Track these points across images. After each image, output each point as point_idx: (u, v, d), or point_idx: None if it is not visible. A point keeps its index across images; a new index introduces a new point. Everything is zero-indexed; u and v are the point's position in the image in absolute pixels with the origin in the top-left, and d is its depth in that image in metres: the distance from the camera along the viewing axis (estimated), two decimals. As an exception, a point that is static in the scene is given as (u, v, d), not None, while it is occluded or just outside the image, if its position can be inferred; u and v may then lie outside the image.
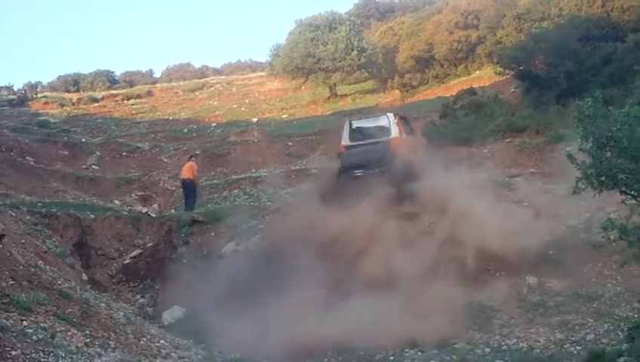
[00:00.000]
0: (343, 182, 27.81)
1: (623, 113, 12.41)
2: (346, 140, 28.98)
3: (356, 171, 27.66)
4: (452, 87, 61.11)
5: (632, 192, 12.46)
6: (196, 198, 32.66)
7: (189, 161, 33.48)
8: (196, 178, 32.79)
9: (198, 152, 37.13)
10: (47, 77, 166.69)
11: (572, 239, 22.05)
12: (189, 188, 32.21)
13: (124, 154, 46.58)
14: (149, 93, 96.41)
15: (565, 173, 19.37)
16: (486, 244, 22.44)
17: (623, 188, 12.46)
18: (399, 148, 27.64)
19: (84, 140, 50.14)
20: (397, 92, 72.48)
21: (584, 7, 48.39)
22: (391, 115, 29.17)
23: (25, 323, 13.39)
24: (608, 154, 12.48)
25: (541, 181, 27.83)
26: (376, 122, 29.79)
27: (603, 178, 12.45)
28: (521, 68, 43.32)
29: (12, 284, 15.24)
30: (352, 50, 74.52)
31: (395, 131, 28.14)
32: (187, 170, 32.36)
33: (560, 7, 52.39)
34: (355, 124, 29.98)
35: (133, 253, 27.63)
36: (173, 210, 33.51)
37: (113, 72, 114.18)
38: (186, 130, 57.38)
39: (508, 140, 36.59)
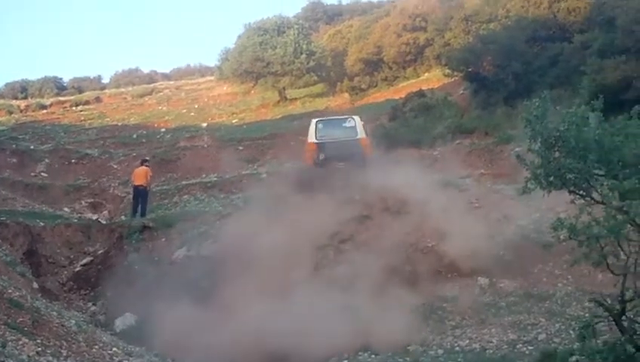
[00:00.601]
0: (325, 171, 29.64)
1: (570, 113, 12.49)
2: (312, 138, 31.27)
3: (337, 163, 30.07)
4: (401, 90, 61.31)
5: (581, 192, 12.52)
6: (147, 205, 32.41)
7: (141, 166, 33.14)
8: (149, 184, 32.54)
9: (148, 158, 36.73)
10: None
11: (522, 239, 22.16)
12: (143, 195, 31.91)
13: (73, 161, 46.20)
14: (98, 99, 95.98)
15: (514, 174, 19.53)
16: (437, 246, 22.57)
17: (572, 188, 12.52)
18: (367, 147, 31.02)
19: (32, 147, 49.71)
20: (346, 95, 72.59)
21: (531, 9, 48.79)
22: (357, 118, 32.21)
23: (-25, 332, 13.26)
24: (557, 154, 12.53)
25: (491, 182, 28.05)
26: (343, 123, 32.43)
27: (552, 178, 12.50)
28: (470, 70, 43.60)
29: (-39, 294, 15.11)
30: (301, 53, 74.55)
31: (361, 132, 30.98)
32: (141, 176, 31.97)
33: (507, 9, 52.78)
34: (321, 124, 32.31)
35: (84, 261, 27.50)
36: (123, 217, 33.27)
37: (61, 79, 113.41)
38: (135, 136, 57.08)
39: (457, 142, 36.85)
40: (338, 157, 30.19)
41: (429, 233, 23.10)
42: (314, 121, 32.97)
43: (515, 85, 39.18)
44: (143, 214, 31.31)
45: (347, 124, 32.00)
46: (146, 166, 32.90)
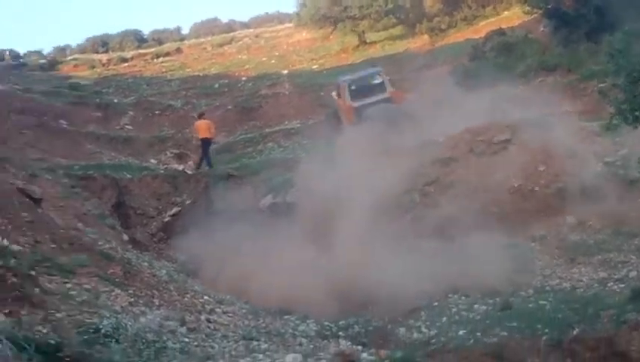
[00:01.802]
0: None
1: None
2: (349, 101, 33.38)
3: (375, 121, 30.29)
4: (481, 29, 60.47)
5: (668, 125, 12.35)
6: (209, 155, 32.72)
7: (200, 119, 33.37)
8: (214, 135, 32.85)
9: (204, 111, 37.00)
10: (75, 39, 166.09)
11: (609, 176, 21.89)
12: (207, 145, 32.20)
13: (156, 112, 46.76)
14: (178, 51, 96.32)
15: (600, 111, 19.24)
16: (524, 185, 22.44)
17: (659, 122, 12.35)
18: (399, 98, 33.79)
19: (116, 101, 50.36)
20: (426, 37, 71.81)
21: (611, -62, 47.76)
22: (382, 71, 35.80)
23: (68, 285, 13.55)
24: (642, 88, 12.35)
25: (576, 119, 27.63)
26: (372, 80, 34.85)
27: (637, 112, 12.33)
28: (549, 6, 42.73)
29: (53, 248, 15.42)
30: (379, -5, 73.99)
31: (389, 86, 33.98)
32: (206, 129, 32.29)
33: (588, -57, 51.73)
34: (354, 85, 34.21)
35: (172, 211, 27.88)
36: (207, 167, 33.55)
37: (141, 31, 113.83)
38: (216, 86, 57.42)
39: (540, 80, 36.35)
40: (376, 117, 30.76)
41: (515, 173, 22.94)
42: (345, 83, 34.57)
43: (597, 20, 38.34)
44: (208, 164, 31.62)
45: (376, 81, 34.41)
46: (205, 118, 33.17)
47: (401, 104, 33.26)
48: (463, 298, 17.79)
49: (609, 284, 16.70)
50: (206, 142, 32.38)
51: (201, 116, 33.97)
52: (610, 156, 22.88)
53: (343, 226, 22.08)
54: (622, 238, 19.39)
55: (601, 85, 25.28)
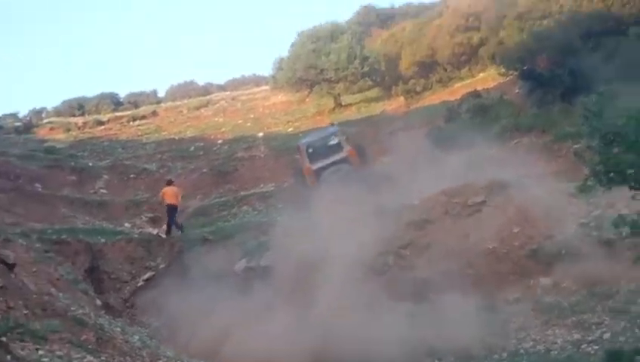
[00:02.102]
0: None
1: (628, 107, 12.31)
2: (307, 163, 34.66)
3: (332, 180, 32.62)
4: (456, 91, 60.96)
5: (641, 187, 12.36)
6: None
7: (168, 185, 33.30)
8: (179, 202, 32.82)
9: (172, 178, 37.00)
10: (51, 102, 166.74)
11: (584, 237, 21.90)
12: (173, 212, 32.11)
13: (131, 176, 46.72)
14: (154, 114, 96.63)
15: (574, 172, 19.28)
16: (498, 248, 22.41)
17: (632, 184, 12.34)
18: (354, 158, 34.54)
19: (91, 164, 50.32)
20: (401, 98, 72.31)
21: (584, 3, 48.37)
22: (338, 131, 37.02)
23: (40, 352, 13.37)
24: (616, 150, 12.36)
25: (550, 180, 27.72)
26: (328, 141, 35.57)
27: (611, 174, 12.33)
28: (525, 68, 43.17)
29: (26, 313, 15.24)
30: (355, 59, 74.54)
31: (346, 146, 34.91)
32: (174, 196, 32.30)
33: (560, 5, 52.36)
34: (311, 148, 35.33)
35: (146, 276, 27.68)
36: (179, 231, 33.41)
37: (117, 94, 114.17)
38: (192, 149, 57.50)
39: (515, 141, 36.52)
40: (333, 177, 32.97)
41: (490, 235, 22.94)
42: (303, 145, 36.25)
43: (572, 82, 38.65)
44: (179, 228, 31.54)
45: (332, 142, 35.29)
46: (173, 185, 33.18)
47: (358, 163, 34.48)
48: (437, 361, 17.71)
49: (583, 346, 16.75)
50: (172, 209, 32.30)
51: (169, 183, 33.90)
52: (584, 217, 22.92)
53: (318, 290, 22.01)
54: (596, 299, 19.40)
55: (576, 146, 25.43)
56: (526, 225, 22.75)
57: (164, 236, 31.96)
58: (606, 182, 12.46)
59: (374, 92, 79.05)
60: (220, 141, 61.91)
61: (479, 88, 51.95)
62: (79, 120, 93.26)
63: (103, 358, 14.66)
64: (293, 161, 44.17)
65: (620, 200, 19.04)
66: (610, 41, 40.61)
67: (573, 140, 29.56)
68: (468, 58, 70.86)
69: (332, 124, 42.95)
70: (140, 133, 77.49)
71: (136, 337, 19.07)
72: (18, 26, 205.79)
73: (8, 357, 12.00)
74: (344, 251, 23.59)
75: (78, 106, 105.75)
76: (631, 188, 12.45)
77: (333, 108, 75.26)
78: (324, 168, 33.90)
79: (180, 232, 32.52)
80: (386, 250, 24.22)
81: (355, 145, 36.65)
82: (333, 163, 34.09)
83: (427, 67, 73.45)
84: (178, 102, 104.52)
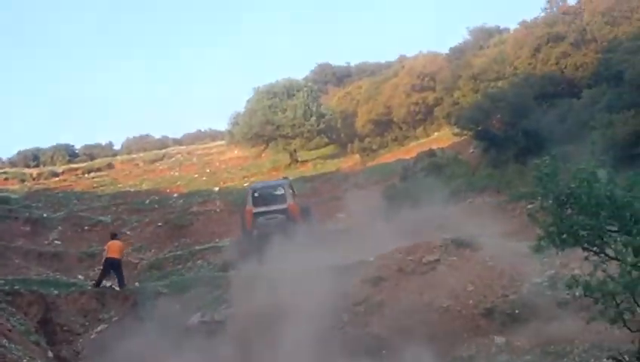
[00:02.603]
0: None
1: (580, 170, 12.52)
2: (250, 205, 35.91)
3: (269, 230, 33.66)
4: (412, 150, 61.54)
5: (594, 248, 12.53)
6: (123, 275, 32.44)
7: (112, 239, 33.09)
8: (122, 256, 32.61)
9: (117, 232, 36.73)
10: (6, 153, 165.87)
11: (537, 297, 22.06)
12: (116, 267, 31.86)
13: (86, 228, 46.46)
14: (110, 166, 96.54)
15: (527, 231, 19.49)
16: (452, 306, 22.49)
17: (585, 245, 12.52)
18: (295, 212, 35.40)
19: (45, 215, 50.01)
20: (357, 156, 72.78)
21: (538, 65, 49.12)
22: (286, 183, 37.96)
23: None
24: (569, 211, 12.55)
25: (504, 240, 27.94)
26: (274, 191, 37.12)
27: (565, 235, 12.50)
28: (479, 128, 43.59)
29: (-24, 365, 15.11)
30: (311, 116, 75.04)
31: (289, 198, 35.86)
32: (117, 250, 31.92)
33: (515, 66, 53.11)
34: (257, 193, 36.99)
35: (99, 328, 27.43)
36: (137, 284, 33.25)
37: (73, 146, 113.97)
38: (147, 202, 57.37)
39: (469, 200, 36.80)
40: (270, 225, 34.30)
41: (444, 293, 23.02)
42: (251, 188, 38.67)
43: (526, 142, 39.12)
44: (122, 285, 31.27)
45: (278, 191, 36.62)
46: (117, 240, 33.00)
47: (298, 218, 35.30)
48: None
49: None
50: (115, 262, 31.99)
51: (114, 236, 33.66)
52: (538, 277, 23.09)
53: (272, 346, 21.93)
54: (550, 358, 19.47)
55: (529, 207, 25.63)
56: (480, 284, 22.87)
57: (117, 288, 31.74)
58: (559, 243, 12.64)
59: (330, 149, 79.50)
60: (175, 195, 61.97)
61: (434, 147, 52.50)
62: (34, 171, 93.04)
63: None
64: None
65: (574, 261, 19.26)
66: (564, 103, 41.23)
67: (526, 200, 29.80)
68: (423, 117, 71.66)
69: (285, 178, 43.60)
70: (95, 185, 77.41)
71: (89, 391, 18.98)
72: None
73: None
74: (298, 306, 23.55)
75: (33, 157, 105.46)
76: (584, 249, 12.65)
77: (289, 164, 75.58)
78: (262, 213, 35.04)
79: (137, 284, 32.31)
80: (341, 307, 24.23)
81: (299, 201, 38.14)
82: (273, 211, 35.18)
83: (383, 125, 74.09)
84: (134, 155, 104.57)
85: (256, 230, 34.56)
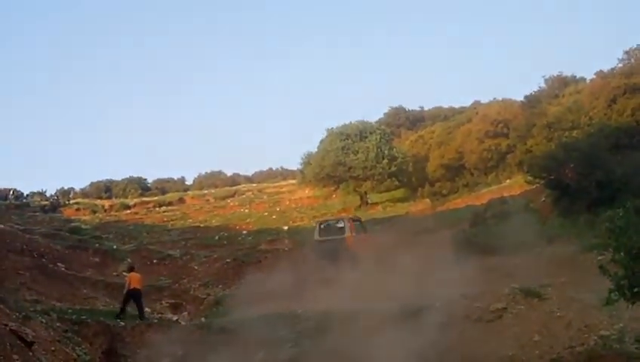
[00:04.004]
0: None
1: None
2: (316, 236, 43.21)
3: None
4: (482, 196, 61.25)
5: (666, 303, 12.40)
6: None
7: (131, 272, 33.41)
8: (142, 287, 32.88)
9: (134, 265, 36.97)
10: (79, 183, 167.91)
11: (605, 350, 21.74)
12: (139, 297, 32.08)
13: (154, 261, 46.84)
14: (181, 200, 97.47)
15: (597, 283, 19.27)
16: (517, 355, 22.26)
17: (656, 300, 12.40)
18: (352, 241, 41.72)
19: (115, 247, 50.52)
20: (427, 200, 72.66)
21: (614, 116, 48.74)
22: (346, 219, 45.59)
23: None
24: (641, 265, 12.43)
25: (573, 290, 27.65)
26: (336, 224, 44.26)
27: (636, 289, 12.38)
28: (552, 177, 43.23)
29: (41, 392, 15.27)
30: (383, 158, 75.16)
31: (348, 231, 42.42)
32: (138, 281, 32.26)
33: (590, 117, 52.76)
34: (323, 225, 44.56)
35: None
36: (203, 319, 33.39)
37: (145, 179, 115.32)
38: (217, 238, 57.77)
39: (539, 249, 36.45)
40: (331, 251, 39.91)
41: (510, 342, 22.80)
42: (318, 222, 46.88)
43: (598, 193, 38.68)
44: (142, 316, 31.46)
45: (339, 225, 43.66)
46: (136, 272, 33.35)
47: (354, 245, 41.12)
48: None
49: None
50: (137, 293, 32.22)
51: (132, 269, 34.03)
52: (605, 329, 22.77)
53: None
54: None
55: (600, 258, 25.36)
56: (547, 334, 22.60)
57: (183, 323, 31.93)
58: (630, 297, 12.52)
59: (401, 192, 79.42)
60: (244, 232, 62.22)
61: (505, 194, 52.19)
62: (106, 202, 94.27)
63: None
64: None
65: (644, 315, 19.00)
66: (638, 155, 40.70)
67: (597, 252, 29.49)
68: (495, 164, 71.36)
69: (357, 217, 50.96)
70: (165, 219, 78.11)
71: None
72: (52, 107, 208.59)
73: None
74: (366, 351, 23.48)
75: (106, 189, 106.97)
76: (655, 303, 12.51)
77: (359, 206, 75.65)
78: (322, 242, 42.21)
79: (203, 319, 32.50)
80: (411, 351, 24.08)
81: (358, 233, 43.84)
82: (332, 240, 41.68)
83: (454, 170, 73.96)
84: (205, 191, 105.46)
85: (317, 253, 41.20)
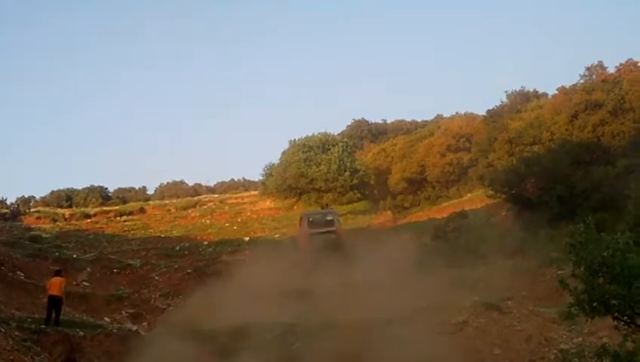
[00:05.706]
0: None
1: (615, 239, 12.48)
2: (306, 228, 44.50)
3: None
4: (444, 209, 61.56)
5: (625, 318, 12.46)
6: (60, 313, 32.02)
7: (56, 276, 32.79)
8: (63, 293, 32.28)
9: (60, 269, 36.38)
10: (40, 192, 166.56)
11: (564, 363, 21.91)
12: (57, 304, 31.48)
13: (115, 270, 46.56)
14: (142, 210, 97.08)
15: (557, 297, 19.40)
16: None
17: (616, 314, 12.46)
18: (342, 233, 44.97)
19: (75, 256, 50.19)
20: (389, 213, 72.76)
21: (575, 132, 49.09)
22: (334, 212, 49.79)
23: None
24: (601, 280, 12.51)
25: (533, 304, 27.81)
26: (325, 217, 46.72)
27: (595, 304, 12.45)
28: (513, 191, 43.49)
29: (-1, 402, 15.17)
30: (345, 170, 75.27)
31: (337, 223, 45.42)
32: (58, 287, 31.57)
33: (551, 132, 53.10)
34: (311, 218, 46.78)
35: (123, 372, 27.42)
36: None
37: (106, 188, 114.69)
38: (177, 248, 57.49)
39: (499, 263, 36.62)
40: (323, 243, 41.66)
41: (471, 355, 22.91)
42: (306, 215, 47.74)
43: (559, 208, 38.92)
44: (57, 323, 30.96)
45: (328, 218, 46.01)
46: (60, 276, 32.68)
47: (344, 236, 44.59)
48: None
49: None
50: (55, 299, 31.51)
51: (57, 273, 33.34)
52: (565, 343, 22.94)
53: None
54: None
55: (560, 273, 25.54)
56: (507, 348, 22.75)
57: (142, 333, 31.69)
58: (590, 311, 12.58)
59: (362, 204, 79.41)
60: (205, 242, 61.98)
61: (466, 208, 52.41)
62: (66, 211, 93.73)
63: None
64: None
65: (602, 329, 19.12)
66: (599, 171, 41.01)
67: (558, 266, 29.69)
68: (457, 178, 71.75)
69: (327, 205, 57.56)
70: (126, 229, 77.73)
71: None
72: (12, 114, 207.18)
73: None
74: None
75: (66, 197, 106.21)
76: (614, 318, 12.58)
77: (320, 218, 75.52)
78: (316, 234, 43.10)
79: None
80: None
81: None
82: (325, 232, 43.33)
83: (416, 184, 74.28)
84: (166, 201, 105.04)
85: (313, 246, 41.90)
